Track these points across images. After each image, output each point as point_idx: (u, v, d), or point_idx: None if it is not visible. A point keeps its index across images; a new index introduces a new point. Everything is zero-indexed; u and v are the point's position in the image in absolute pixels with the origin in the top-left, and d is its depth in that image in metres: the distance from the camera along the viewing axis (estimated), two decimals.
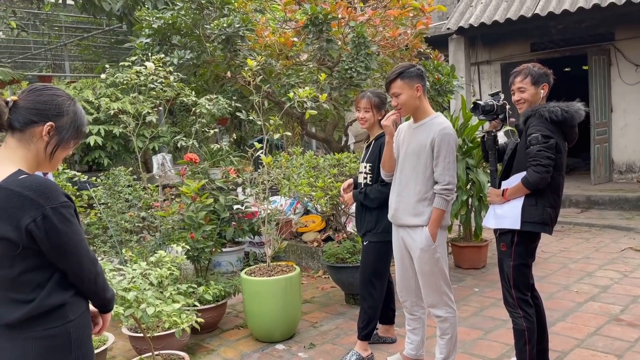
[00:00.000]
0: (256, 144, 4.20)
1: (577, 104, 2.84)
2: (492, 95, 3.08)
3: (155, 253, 3.27)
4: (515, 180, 2.88)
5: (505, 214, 2.89)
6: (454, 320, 3.03)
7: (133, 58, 5.05)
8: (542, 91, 2.92)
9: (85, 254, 1.65)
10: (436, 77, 5.79)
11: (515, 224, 2.84)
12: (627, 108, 9.19)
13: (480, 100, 3.08)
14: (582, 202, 8.48)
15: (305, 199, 5.09)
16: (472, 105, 3.07)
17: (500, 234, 2.96)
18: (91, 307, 1.81)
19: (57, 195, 1.59)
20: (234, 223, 4.45)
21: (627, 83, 9.14)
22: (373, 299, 3.46)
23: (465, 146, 5.24)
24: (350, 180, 3.72)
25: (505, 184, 2.94)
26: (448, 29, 9.69)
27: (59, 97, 1.69)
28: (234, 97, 5.62)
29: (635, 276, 4.99)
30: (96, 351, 3.27)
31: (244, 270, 4.04)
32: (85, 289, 1.70)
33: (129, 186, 4.74)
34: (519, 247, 2.87)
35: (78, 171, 5.09)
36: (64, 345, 1.63)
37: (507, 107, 3.03)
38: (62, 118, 1.67)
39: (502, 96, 3.04)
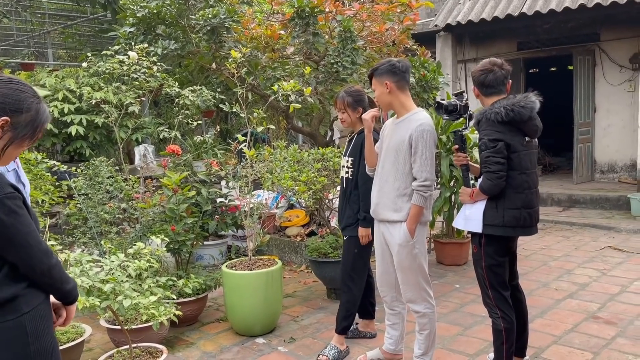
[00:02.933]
0: (240, 136, 4.17)
1: (529, 96, 2.79)
2: (456, 95, 3.06)
3: (135, 245, 3.24)
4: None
5: (471, 216, 2.89)
6: (433, 316, 3.04)
7: (116, 47, 4.99)
8: (473, 94, 2.95)
9: (36, 244, 1.61)
10: (422, 73, 5.79)
11: (478, 227, 2.85)
12: (611, 108, 9.29)
13: (444, 100, 3.07)
14: (564, 201, 8.57)
15: (289, 193, 5.07)
16: (435, 105, 3.06)
17: (472, 235, 2.97)
18: (54, 299, 1.77)
19: (1, 186, 1.55)
20: (216, 216, 4.42)
21: (611, 84, 9.24)
22: (352, 293, 3.47)
23: (450, 143, 5.25)
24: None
25: (479, 183, 2.94)
26: (436, 25, 9.70)
27: (23, 93, 1.62)
28: (219, 89, 5.57)
29: (613, 275, 5.06)
30: (72, 343, 3.24)
31: (225, 264, 4.02)
32: (39, 280, 1.66)
33: (110, 177, 4.68)
34: (488, 248, 2.86)
35: (59, 161, 5.01)
36: (19, 337, 1.60)
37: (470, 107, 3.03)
38: (20, 115, 1.60)
39: (466, 96, 3.03)
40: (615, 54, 9.15)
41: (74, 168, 4.68)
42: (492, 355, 3.04)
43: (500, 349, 2.86)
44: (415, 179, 2.90)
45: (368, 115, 3.07)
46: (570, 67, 9.87)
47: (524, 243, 6.16)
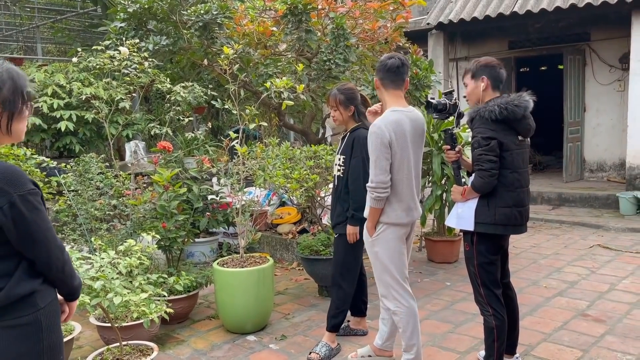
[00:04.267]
0: (231, 133, 4.16)
1: (523, 95, 2.79)
2: (446, 94, 3.07)
3: (125, 242, 3.21)
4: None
5: (463, 215, 2.90)
6: (404, 314, 3.00)
7: (107, 42, 4.95)
8: (481, 84, 2.89)
9: (53, 241, 1.62)
10: (414, 71, 5.80)
11: (470, 225, 2.86)
12: (600, 108, 9.36)
13: (434, 99, 3.08)
14: (554, 200, 8.63)
15: (281, 190, 5.06)
16: (425, 104, 3.06)
17: (464, 233, 2.98)
18: (58, 295, 1.78)
19: (24, 182, 1.55)
20: (208, 213, 4.40)
21: (600, 83, 9.31)
22: (343, 290, 3.47)
23: (441, 141, 5.26)
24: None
25: (470, 180, 2.95)
26: (428, 24, 9.71)
27: None
28: (211, 86, 5.54)
29: (602, 273, 5.11)
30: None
31: (217, 261, 4.00)
32: (53, 276, 1.67)
33: (100, 173, 4.64)
34: (480, 246, 2.87)
35: (48, 157, 4.96)
36: (35, 333, 1.61)
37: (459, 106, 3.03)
38: (1, 92, 1.58)
39: (455, 95, 3.04)
40: (605, 53, 9.22)
41: (63, 164, 4.63)
42: (483, 352, 3.05)
43: (491, 346, 2.88)
44: None
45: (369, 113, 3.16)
46: (560, 67, 9.93)
47: (514, 241, 6.19)
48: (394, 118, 2.88)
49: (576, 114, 9.41)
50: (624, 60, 8.83)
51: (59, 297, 1.78)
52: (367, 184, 2.90)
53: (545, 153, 11.80)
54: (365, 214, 3.02)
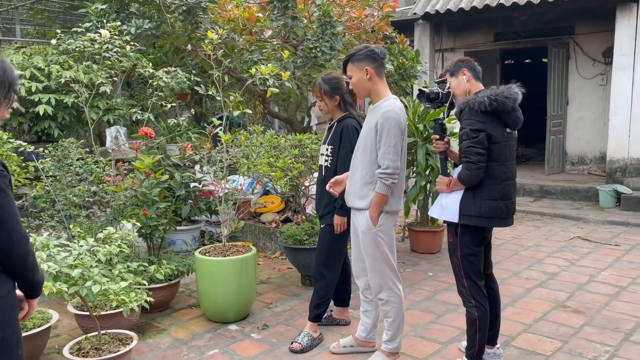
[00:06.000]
0: (215, 120, 4.09)
1: (513, 87, 2.78)
2: (438, 83, 3.04)
3: (105, 229, 3.15)
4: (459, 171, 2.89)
5: (448, 206, 2.89)
6: (397, 303, 3.03)
7: (87, 24, 4.81)
8: (463, 77, 2.92)
9: (18, 228, 1.55)
10: (401, 61, 5.78)
11: (454, 217, 2.85)
12: (583, 101, 9.45)
13: (426, 88, 3.05)
14: (536, 192, 8.72)
15: (265, 179, 5.01)
16: (417, 92, 3.04)
17: (448, 225, 2.97)
18: (17, 291, 1.70)
19: None
20: (190, 201, 4.33)
21: (583, 77, 9.39)
22: (326, 280, 3.45)
23: (426, 132, 5.26)
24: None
25: (456, 172, 2.94)
26: (414, 13, 9.67)
27: None
28: (194, 71, 5.45)
29: (581, 264, 5.17)
30: (39, 329, 3.15)
31: (199, 250, 3.96)
32: (13, 266, 1.59)
33: (79, 159, 4.54)
34: (464, 238, 2.87)
35: (26, 141, 4.83)
36: None
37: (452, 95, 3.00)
38: None
39: (448, 84, 3.00)
40: (588, 47, 9.29)
41: (41, 149, 4.52)
42: (464, 343, 3.07)
43: (473, 337, 2.89)
44: (379, 166, 2.88)
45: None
46: (544, 60, 9.99)
47: (496, 232, 6.24)
48: (400, 105, 2.91)
49: (559, 107, 9.50)
50: (607, 54, 8.91)
51: (19, 293, 1.70)
52: (382, 171, 2.82)
53: (527, 145, 11.90)
54: (365, 204, 2.93)
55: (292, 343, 3.41)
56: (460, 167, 2.86)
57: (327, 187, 3.19)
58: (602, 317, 3.88)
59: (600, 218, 7.08)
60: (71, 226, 3.56)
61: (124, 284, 2.89)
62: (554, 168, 9.59)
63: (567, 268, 5.07)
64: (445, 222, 3.00)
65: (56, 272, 2.68)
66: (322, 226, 3.51)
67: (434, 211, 3.02)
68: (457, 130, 3.09)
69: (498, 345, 3.20)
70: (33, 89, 5.82)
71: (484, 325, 2.87)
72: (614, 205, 7.71)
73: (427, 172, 5.29)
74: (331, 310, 3.80)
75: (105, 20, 4.75)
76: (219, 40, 4.12)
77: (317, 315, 3.48)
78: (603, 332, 3.61)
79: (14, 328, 1.61)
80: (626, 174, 7.99)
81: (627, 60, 7.85)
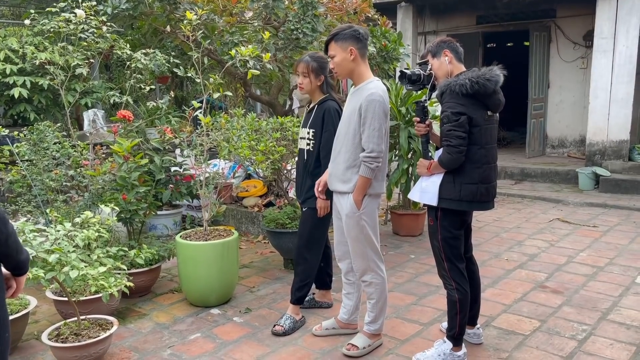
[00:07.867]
0: (195, 103, 4.02)
1: (494, 69, 2.75)
2: (420, 64, 3.00)
3: (82, 214, 3.09)
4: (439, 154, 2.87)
5: (427, 189, 2.88)
6: (380, 285, 3.05)
7: (62, 4, 4.68)
8: (445, 58, 2.89)
9: None
10: (383, 43, 5.74)
11: (434, 200, 2.84)
12: (563, 85, 9.53)
13: (408, 69, 3.02)
14: (517, 174, 8.81)
15: (247, 162, 4.97)
16: (399, 74, 3.00)
17: (428, 208, 2.97)
18: (4, 269, 1.67)
19: None
20: (171, 185, 4.28)
21: (564, 60, 9.45)
22: (308, 263, 3.45)
23: (409, 115, 5.25)
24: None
25: (437, 155, 2.92)
26: None
27: None
28: (173, 53, 5.34)
29: (560, 246, 5.25)
30: (17, 315, 3.10)
31: (180, 234, 3.92)
32: None
33: (56, 143, 4.45)
34: (444, 221, 2.86)
35: (1, 125, 4.72)
36: None
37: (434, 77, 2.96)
38: None
39: (430, 66, 2.96)
40: (569, 30, 9.34)
41: (16, 132, 4.41)
42: (445, 324, 3.10)
43: (454, 318, 2.91)
44: (363, 150, 2.86)
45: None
46: (526, 43, 10.02)
47: (477, 215, 6.30)
48: (383, 87, 2.89)
49: (540, 91, 9.56)
50: (588, 37, 8.97)
51: (5, 271, 1.68)
52: (367, 154, 2.80)
53: (508, 129, 11.99)
54: (348, 187, 2.92)
55: (274, 326, 3.41)
56: (441, 150, 2.85)
57: (317, 195, 3.23)
58: (580, 296, 3.95)
59: (579, 200, 7.18)
60: (48, 211, 3.50)
61: (102, 269, 2.85)
62: (534, 151, 9.69)
63: (547, 249, 5.14)
64: (425, 205, 3.00)
65: (32, 257, 2.63)
66: (304, 210, 3.50)
67: (414, 194, 3.01)
68: (439, 113, 3.06)
69: (478, 326, 3.24)
70: (7, 72, 5.68)
71: (464, 307, 2.89)
72: (593, 188, 7.83)
73: (410, 155, 5.30)
74: (313, 293, 3.81)
75: (80, 0, 4.62)
76: (199, 21, 4.04)
77: (299, 298, 3.48)
78: (581, 312, 3.68)
79: (1, 311, 1.59)
80: (605, 156, 8.10)
81: (607, 44, 7.91)
